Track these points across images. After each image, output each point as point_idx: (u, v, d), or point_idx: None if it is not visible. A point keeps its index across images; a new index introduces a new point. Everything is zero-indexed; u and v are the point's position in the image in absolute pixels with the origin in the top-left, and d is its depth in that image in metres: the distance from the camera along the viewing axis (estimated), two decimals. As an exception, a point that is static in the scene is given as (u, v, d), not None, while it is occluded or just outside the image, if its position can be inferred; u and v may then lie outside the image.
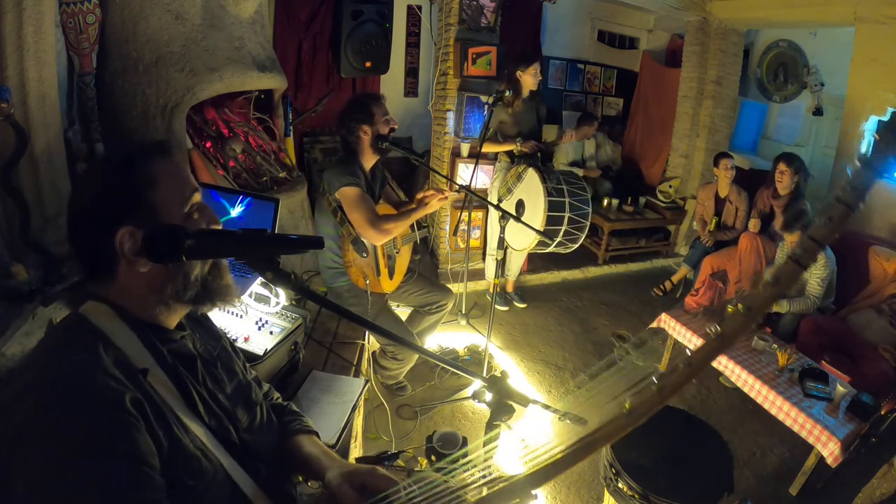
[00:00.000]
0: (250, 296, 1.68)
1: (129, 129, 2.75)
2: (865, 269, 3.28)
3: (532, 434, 2.43)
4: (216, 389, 0.92)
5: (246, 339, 1.53)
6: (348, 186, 2.10)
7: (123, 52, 2.68)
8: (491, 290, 3.14)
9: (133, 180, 0.80)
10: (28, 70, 2.12)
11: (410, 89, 4.77)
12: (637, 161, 5.55)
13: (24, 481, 0.64)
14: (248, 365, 1.11)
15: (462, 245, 3.92)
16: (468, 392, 2.78)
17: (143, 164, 0.82)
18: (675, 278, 4.26)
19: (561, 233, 2.77)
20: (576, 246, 2.87)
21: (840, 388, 2.34)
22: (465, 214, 3.77)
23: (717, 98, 4.60)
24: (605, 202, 4.71)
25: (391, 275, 2.41)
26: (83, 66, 2.60)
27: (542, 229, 2.72)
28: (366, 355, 2.04)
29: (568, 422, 0.94)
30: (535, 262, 4.28)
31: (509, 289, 3.90)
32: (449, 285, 2.99)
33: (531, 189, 2.93)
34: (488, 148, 3.42)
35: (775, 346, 2.64)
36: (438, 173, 2.66)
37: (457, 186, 3.80)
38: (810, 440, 2.21)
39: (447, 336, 3.28)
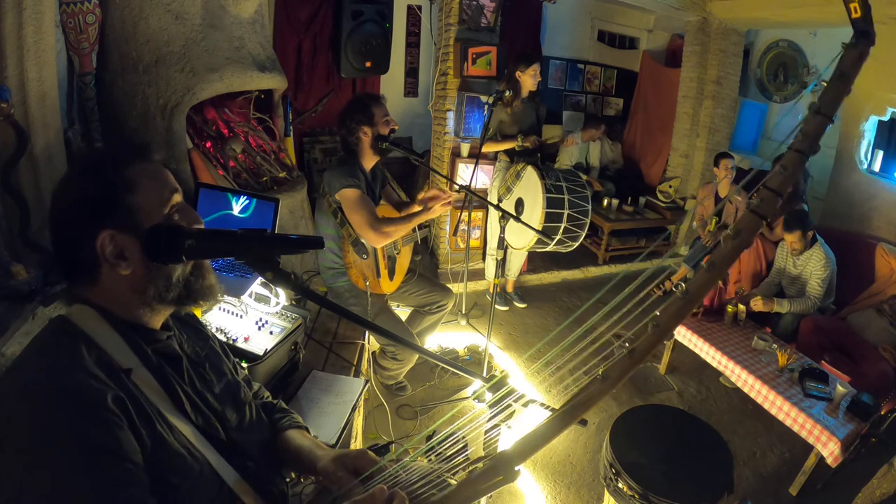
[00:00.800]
0: (250, 296, 1.68)
1: (129, 129, 2.75)
2: (865, 270, 3.28)
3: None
4: (204, 389, 0.92)
5: (246, 339, 1.52)
6: (349, 188, 2.10)
7: (123, 52, 2.68)
8: (491, 290, 3.14)
9: (111, 184, 0.79)
10: (28, 70, 2.12)
11: (410, 89, 4.77)
12: (637, 161, 5.55)
13: (8, 483, 0.64)
14: (238, 364, 1.11)
15: (462, 245, 3.92)
16: (468, 392, 2.78)
17: (122, 168, 0.81)
18: (675, 278, 4.26)
19: (560, 230, 2.76)
20: (576, 244, 2.87)
21: (840, 388, 2.34)
22: (465, 214, 3.77)
23: (717, 98, 4.60)
24: (605, 202, 4.71)
25: (391, 276, 2.41)
26: (83, 66, 2.60)
27: (540, 227, 2.72)
28: (366, 355, 2.04)
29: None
30: (535, 262, 4.28)
31: (509, 289, 3.90)
32: (449, 285, 2.99)
33: (530, 187, 2.93)
34: (489, 148, 3.43)
35: (775, 346, 2.64)
36: (438, 173, 2.66)
37: (457, 186, 3.80)
38: (810, 440, 2.21)
39: (447, 336, 3.28)
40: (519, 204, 3.03)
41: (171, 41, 2.68)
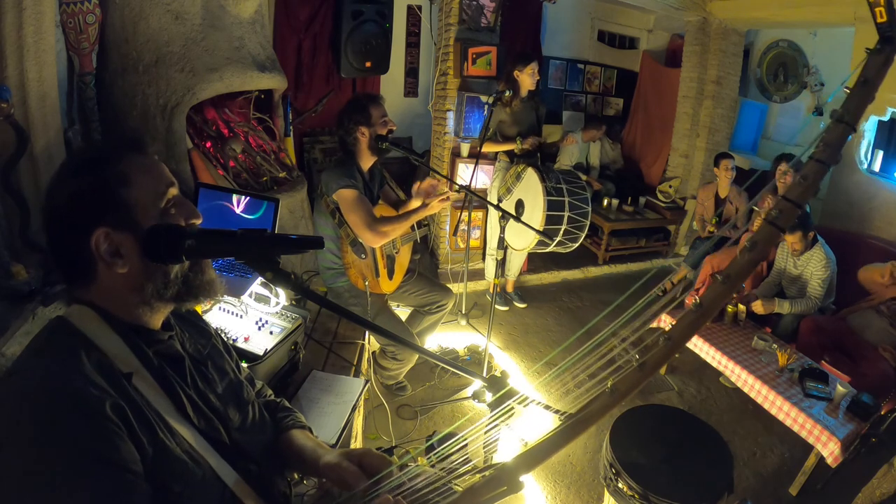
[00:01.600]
0: (250, 296, 1.68)
1: (129, 129, 2.75)
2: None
3: (532, 434, 2.43)
4: (206, 389, 0.91)
5: (246, 339, 1.52)
6: (346, 188, 2.10)
7: (123, 52, 2.68)
8: (491, 290, 3.14)
9: (104, 179, 0.77)
10: (28, 70, 2.12)
11: (410, 89, 4.77)
12: (637, 161, 5.55)
13: (5, 491, 0.63)
14: (240, 363, 1.10)
15: (462, 245, 3.92)
16: (468, 392, 2.78)
17: (115, 162, 0.79)
18: (675, 278, 4.26)
19: (560, 232, 2.77)
20: (576, 245, 2.87)
21: (840, 388, 2.34)
22: (465, 214, 3.77)
23: (717, 98, 4.60)
24: (605, 202, 4.71)
25: (390, 275, 2.41)
26: (83, 66, 2.60)
27: (541, 229, 2.72)
28: (366, 355, 2.04)
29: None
30: (535, 262, 4.28)
31: (509, 289, 3.90)
32: (449, 285, 2.99)
33: (530, 189, 2.93)
34: (488, 148, 3.43)
35: (775, 346, 2.64)
36: (438, 173, 2.66)
37: (457, 186, 3.80)
38: (810, 440, 2.21)
39: (447, 336, 3.28)
40: (519, 205, 3.03)
41: (171, 41, 2.68)
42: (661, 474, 1.70)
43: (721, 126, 4.72)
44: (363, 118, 2.18)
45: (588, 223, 2.85)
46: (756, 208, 3.65)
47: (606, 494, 1.84)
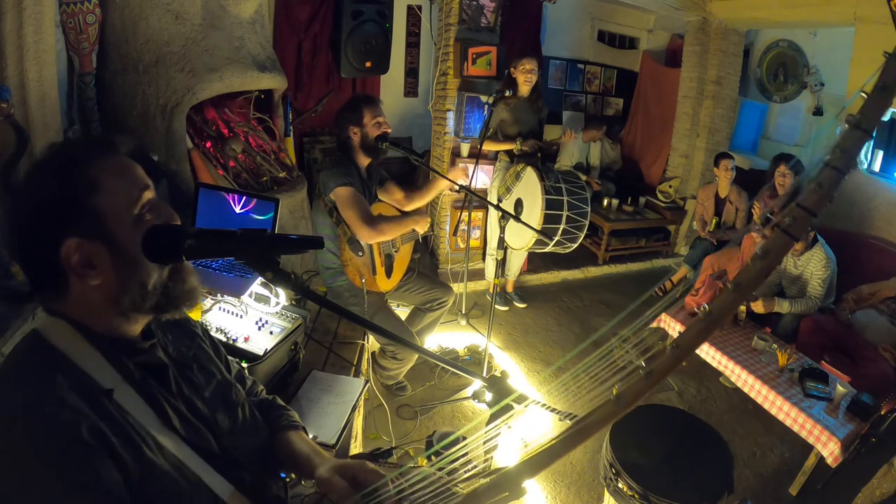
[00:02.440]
0: (250, 296, 1.68)
1: (129, 129, 2.75)
2: (866, 270, 3.29)
3: (532, 434, 2.43)
4: (193, 395, 0.87)
5: (246, 339, 1.52)
6: (342, 186, 2.11)
7: (123, 52, 2.68)
8: (491, 290, 3.14)
9: (71, 186, 0.72)
10: (28, 70, 2.12)
11: (410, 89, 4.77)
12: (637, 161, 5.55)
13: None
14: (230, 360, 1.06)
15: (462, 245, 3.92)
16: (468, 392, 2.78)
17: (83, 167, 0.74)
18: (675, 278, 4.26)
19: (559, 232, 2.76)
20: (574, 246, 2.87)
21: (840, 388, 2.34)
22: (465, 214, 3.77)
23: (717, 98, 4.60)
24: (605, 202, 4.71)
25: (389, 273, 2.41)
26: (83, 66, 2.60)
27: (539, 228, 2.72)
28: (366, 355, 2.04)
29: (568, 422, 0.94)
30: (535, 262, 4.28)
31: (509, 289, 3.90)
32: (449, 285, 2.99)
33: (529, 188, 2.93)
34: (489, 147, 3.43)
35: (775, 346, 2.64)
36: (438, 173, 2.65)
37: (457, 186, 3.80)
38: (810, 440, 2.21)
39: (447, 336, 3.28)
40: (518, 204, 3.04)
41: (171, 41, 2.68)
42: (661, 474, 1.70)
43: (721, 126, 4.72)
44: (355, 118, 2.19)
45: (587, 223, 2.85)
46: (755, 206, 3.66)
47: (606, 494, 1.84)
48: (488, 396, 0.94)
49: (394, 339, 0.91)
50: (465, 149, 3.84)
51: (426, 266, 4.08)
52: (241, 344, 1.50)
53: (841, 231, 3.74)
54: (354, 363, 1.79)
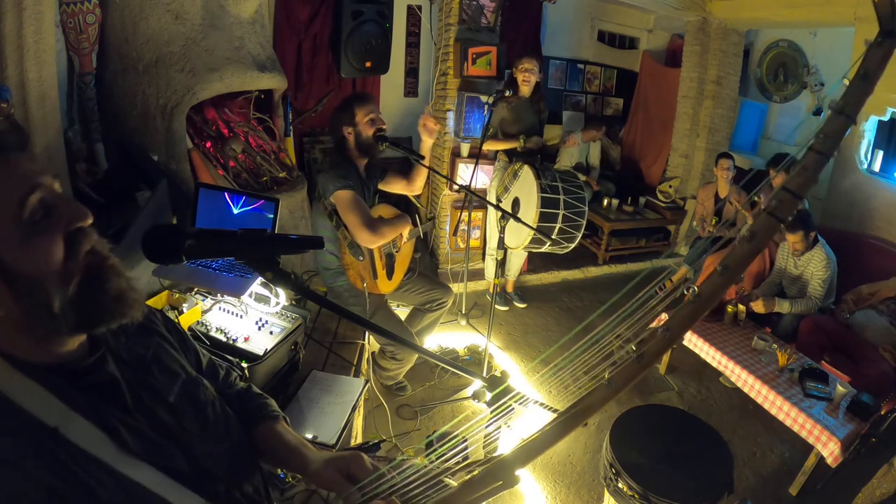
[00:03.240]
0: (250, 296, 1.68)
1: (129, 129, 2.75)
2: (866, 270, 3.29)
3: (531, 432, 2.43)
4: (155, 404, 0.79)
5: (246, 339, 1.52)
6: (342, 189, 2.08)
7: (123, 52, 2.68)
8: (491, 290, 3.14)
9: None
10: (28, 70, 2.12)
11: (410, 89, 4.76)
12: (637, 161, 5.55)
13: None
14: (199, 350, 0.99)
15: (462, 245, 3.92)
16: (468, 392, 2.78)
17: None
18: (675, 278, 4.26)
19: (555, 231, 2.76)
20: (572, 246, 2.86)
21: (840, 388, 2.34)
22: (465, 214, 3.77)
23: (717, 98, 4.60)
24: (605, 202, 4.71)
25: (390, 275, 2.41)
26: (83, 66, 2.60)
27: (535, 227, 2.72)
28: (366, 355, 2.04)
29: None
30: (535, 262, 4.28)
31: (509, 289, 3.90)
32: (449, 285, 2.99)
33: (526, 187, 2.92)
34: (489, 146, 3.43)
35: (775, 346, 2.64)
36: (438, 173, 2.66)
37: (456, 186, 3.80)
38: (810, 440, 2.21)
39: (447, 336, 3.28)
40: (515, 203, 3.03)
41: (171, 41, 2.68)
42: (661, 474, 1.70)
43: (721, 126, 4.72)
44: (347, 117, 2.16)
45: (584, 223, 2.83)
46: (757, 199, 3.66)
47: (606, 494, 1.84)
48: (488, 396, 0.94)
49: (394, 339, 0.91)
50: (465, 149, 3.84)
51: (426, 266, 4.08)
52: (241, 344, 1.50)
53: (841, 231, 3.74)
54: (354, 363, 1.79)
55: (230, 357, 1.39)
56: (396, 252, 2.42)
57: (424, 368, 2.90)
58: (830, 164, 4.05)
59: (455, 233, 3.95)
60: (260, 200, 1.91)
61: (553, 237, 2.75)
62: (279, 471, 1.15)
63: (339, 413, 1.49)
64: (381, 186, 2.40)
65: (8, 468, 0.59)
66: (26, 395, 0.65)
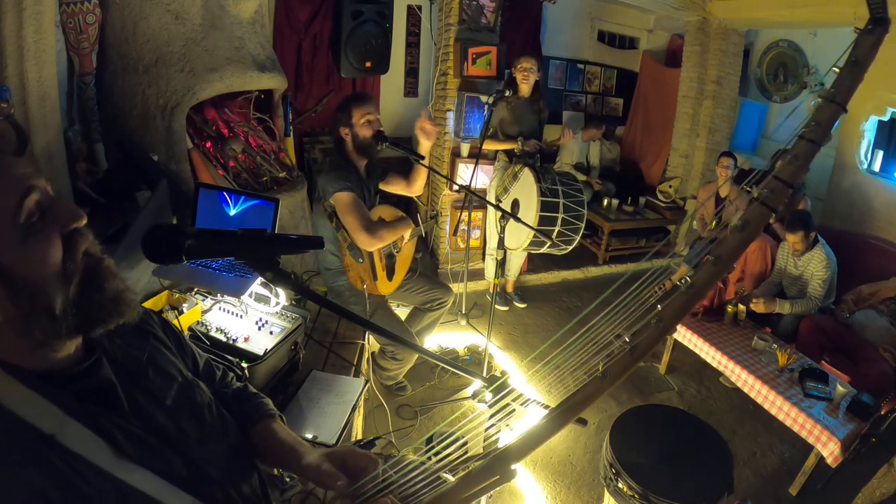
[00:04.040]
0: (250, 296, 1.68)
1: (129, 128, 2.75)
2: (866, 270, 3.29)
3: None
4: (152, 407, 0.79)
5: (246, 339, 1.52)
6: (341, 192, 2.08)
7: (123, 52, 2.68)
8: (491, 290, 3.14)
9: None
10: (28, 70, 2.12)
11: (410, 89, 4.76)
12: (637, 161, 5.55)
13: None
14: (196, 352, 0.99)
15: (462, 245, 3.92)
16: (468, 392, 2.78)
17: None
18: (674, 278, 4.25)
19: (554, 233, 2.77)
20: (570, 248, 2.86)
21: (840, 388, 2.34)
22: (465, 214, 3.77)
23: (717, 98, 4.60)
24: (605, 202, 4.71)
25: (390, 276, 2.41)
26: (83, 66, 2.60)
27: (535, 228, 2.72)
28: (366, 355, 2.03)
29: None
30: (535, 262, 4.28)
31: (509, 289, 3.90)
32: (449, 285, 3.00)
33: (525, 189, 2.93)
34: (489, 146, 3.43)
35: (775, 346, 2.64)
36: (438, 173, 2.66)
37: (456, 186, 3.80)
38: (810, 440, 2.21)
39: (447, 336, 3.28)
40: (515, 205, 3.04)
41: (171, 41, 2.68)
42: (661, 474, 1.70)
43: (721, 126, 4.72)
44: (344, 118, 2.14)
45: (583, 226, 2.84)
46: (749, 190, 3.65)
47: (606, 494, 1.84)
48: (488, 396, 0.94)
49: (394, 339, 0.91)
50: (465, 149, 3.84)
51: (426, 266, 4.08)
52: (241, 344, 1.50)
53: (841, 231, 3.74)
54: (354, 363, 1.79)
55: (230, 357, 1.39)
56: (397, 253, 2.42)
57: (424, 368, 2.90)
58: (830, 164, 4.05)
59: (455, 233, 3.95)
60: (260, 200, 1.91)
61: (552, 239, 2.76)
62: (277, 471, 1.15)
63: (339, 413, 1.49)
64: (381, 187, 2.39)
65: (2, 480, 0.59)
66: (21, 402, 0.65)
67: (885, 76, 3.30)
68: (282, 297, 1.68)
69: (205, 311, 1.62)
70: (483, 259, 4.01)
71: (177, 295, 1.69)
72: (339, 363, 1.77)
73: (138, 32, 2.64)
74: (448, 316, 2.76)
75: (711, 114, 4.65)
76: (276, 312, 1.67)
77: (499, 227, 2.55)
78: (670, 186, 4.92)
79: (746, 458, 2.56)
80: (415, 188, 2.42)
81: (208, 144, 3.01)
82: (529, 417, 0.85)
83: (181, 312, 1.58)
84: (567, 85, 5.60)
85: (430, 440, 0.95)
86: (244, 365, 1.39)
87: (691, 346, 2.86)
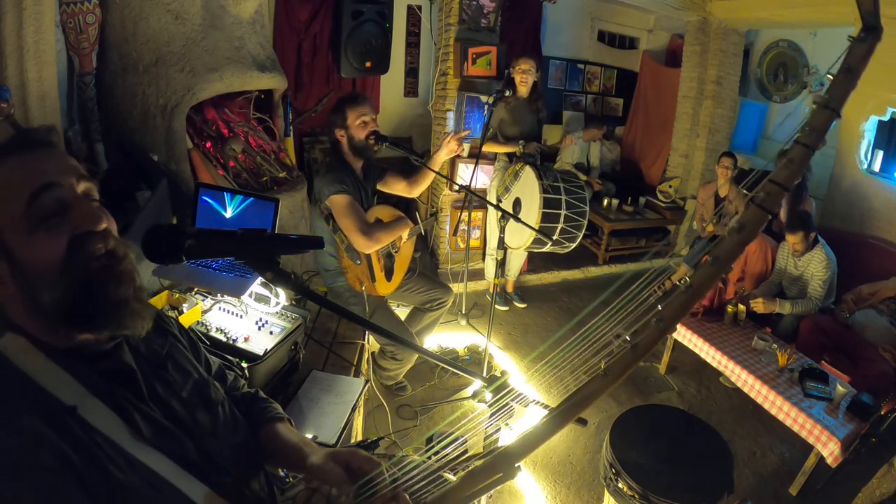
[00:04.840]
0: (250, 296, 1.68)
1: (129, 129, 2.75)
2: (866, 270, 3.29)
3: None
4: (169, 396, 0.82)
5: (246, 339, 1.52)
6: (337, 194, 2.07)
7: (123, 52, 2.68)
8: (491, 290, 3.14)
9: None
10: (28, 70, 2.12)
11: (410, 89, 4.76)
12: (637, 161, 5.55)
13: None
14: (209, 358, 1.03)
15: (462, 245, 3.92)
16: (468, 392, 2.78)
17: None
18: (674, 278, 4.25)
19: (557, 231, 2.76)
20: (573, 246, 2.86)
21: (840, 388, 2.34)
22: (465, 214, 3.77)
23: (717, 98, 4.60)
24: (605, 202, 4.71)
25: (389, 276, 2.40)
26: (83, 66, 2.60)
27: (537, 228, 2.72)
28: (366, 355, 2.04)
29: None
30: (535, 262, 4.28)
31: (509, 289, 3.90)
32: (449, 285, 3.00)
33: (527, 187, 2.92)
34: (489, 148, 3.43)
35: (775, 346, 2.64)
36: (438, 173, 2.65)
37: (456, 186, 3.80)
38: (810, 440, 2.21)
39: (447, 336, 3.28)
40: (516, 204, 3.03)
41: (171, 41, 2.68)
42: (661, 474, 1.70)
43: (721, 126, 4.72)
44: (339, 120, 2.12)
45: (585, 223, 2.83)
46: (746, 193, 3.66)
47: (606, 494, 1.84)
48: (489, 397, 0.94)
49: (393, 339, 0.91)
50: (465, 149, 3.84)
51: (426, 266, 4.08)
52: (241, 344, 1.50)
53: (841, 231, 3.74)
54: (354, 363, 1.79)
55: (230, 357, 1.39)
56: (396, 253, 2.42)
57: (424, 368, 2.90)
58: (831, 164, 4.05)
59: (455, 233, 3.95)
60: (260, 200, 1.91)
61: (555, 237, 2.75)
62: (279, 471, 1.15)
63: (339, 413, 1.49)
64: (379, 187, 2.38)
65: (28, 436, 0.62)
66: (46, 374, 0.68)
67: (885, 76, 3.30)
68: (282, 297, 1.68)
69: (205, 311, 1.62)
70: (483, 259, 4.01)
71: (177, 295, 1.69)
72: (339, 363, 1.77)
73: (138, 32, 2.64)
74: (448, 316, 2.76)
75: (711, 114, 4.65)
76: (276, 312, 1.67)
77: (499, 227, 2.56)
78: (670, 186, 4.92)
79: (746, 458, 2.56)
80: (415, 190, 2.42)
81: (208, 144, 3.01)
82: (529, 417, 0.85)
83: (181, 312, 1.58)
84: (567, 85, 5.60)
85: (430, 440, 0.95)
86: (244, 365, 1.39)
87: (691, 346, 2.86)
